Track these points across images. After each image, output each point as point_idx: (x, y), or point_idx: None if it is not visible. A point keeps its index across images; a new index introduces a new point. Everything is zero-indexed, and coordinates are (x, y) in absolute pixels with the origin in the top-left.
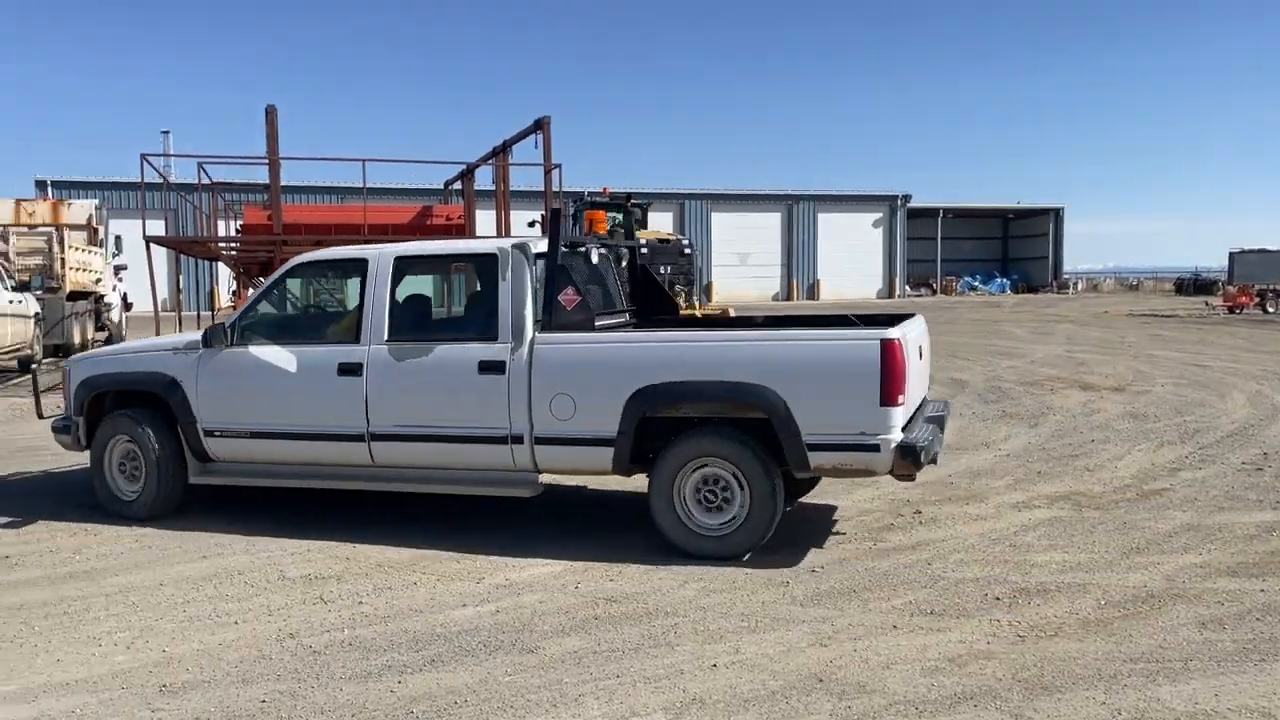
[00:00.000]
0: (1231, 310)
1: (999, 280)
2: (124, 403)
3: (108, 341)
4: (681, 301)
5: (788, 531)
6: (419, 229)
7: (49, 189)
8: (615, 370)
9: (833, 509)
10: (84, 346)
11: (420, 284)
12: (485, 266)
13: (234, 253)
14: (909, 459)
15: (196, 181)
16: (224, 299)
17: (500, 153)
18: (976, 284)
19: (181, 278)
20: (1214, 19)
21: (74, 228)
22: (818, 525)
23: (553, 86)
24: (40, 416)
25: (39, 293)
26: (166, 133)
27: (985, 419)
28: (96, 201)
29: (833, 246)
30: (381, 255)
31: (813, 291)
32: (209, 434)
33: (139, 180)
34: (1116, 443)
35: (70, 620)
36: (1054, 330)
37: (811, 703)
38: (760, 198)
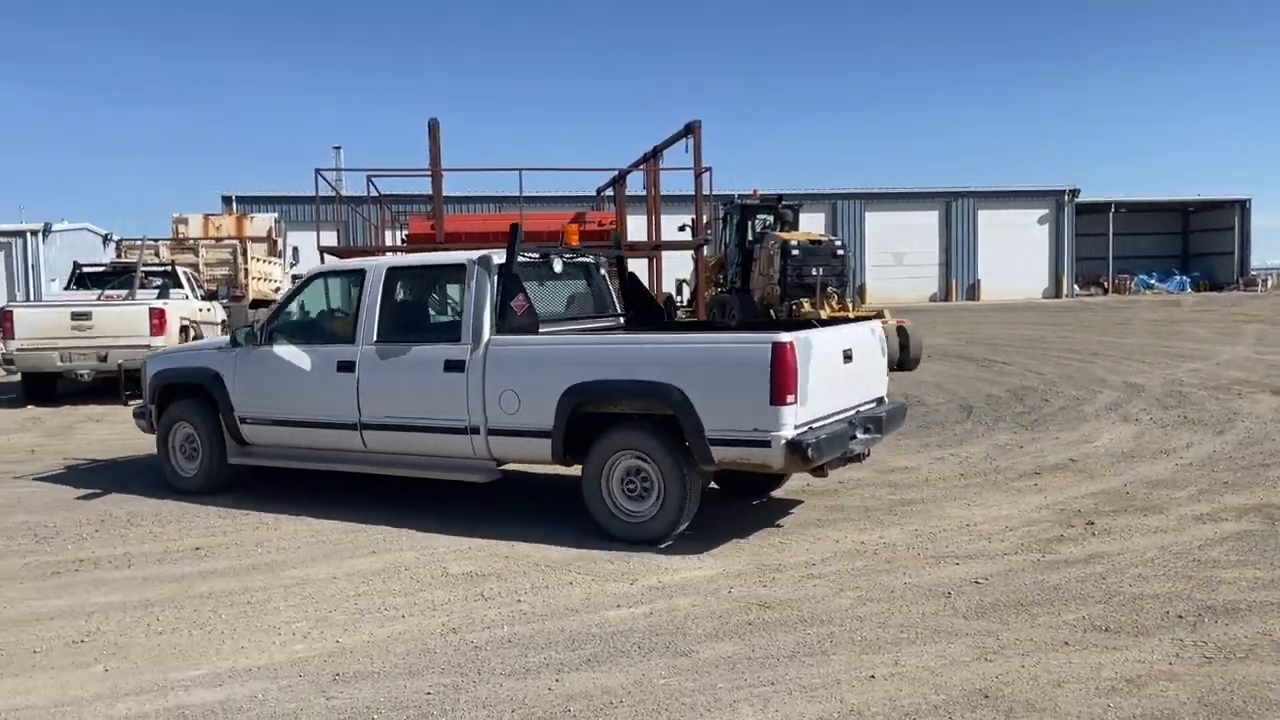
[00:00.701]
0: None
1: (1178, 278)
2: (184, 394)
3: None
4: (833, 304)
5: (946, 540)
6: (572, 235)
7: (233, 204)
8: (551, 369)
9: (996, 519)
10: None
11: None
12: (455, 276)
13: None
14: (797, 455)
15: (365, 194)
16: None
17: (651, 158)
18: (1153, 282)
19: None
20: None
21: (255, 240)
22: (980, 535)
23: (703, 90)
24: (125, 404)
25: (225, 301)
26: (338, 149)
27: (1164, 425)
28: (276, 215)
29: (994, 245)
30: (376, 266)
31: (972, 292)
32: (243, 421)
33: (314, 194)
34: None
35: (253, 610)
36: (1241, 331)
37: (977, 719)
38: (916, 196)
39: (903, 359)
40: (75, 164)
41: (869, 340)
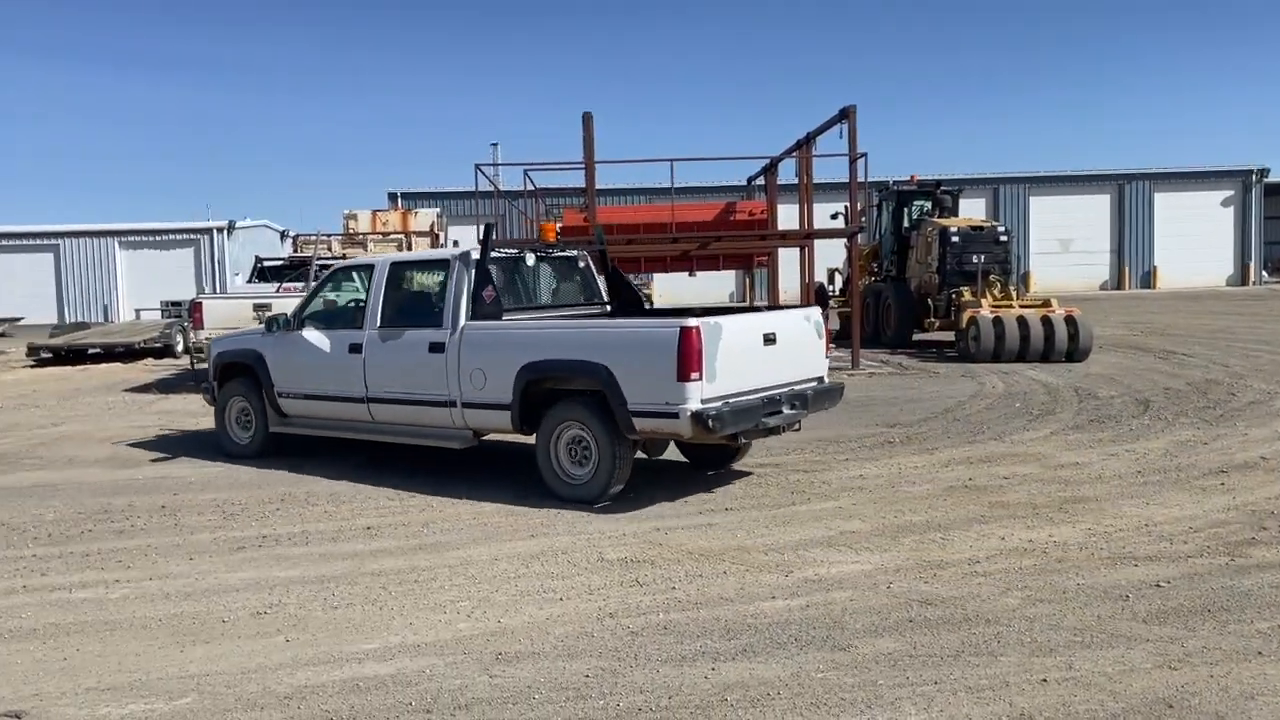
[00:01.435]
0: None
1: None
2: (238, 373)
3: None
4: (996, 293)
5: (1122, 540)
6: (723, 225)
7: (398, 200)
8: (509, 350)
9: (1179, 519)
10: None
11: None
12: (441, 270)
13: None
14: (700, 425)
15: (522, 188)
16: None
17: (804, 145)
18: None
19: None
20: None
21: (419, 234)
22: (1160, 535)
23: (859, 74)
24: (195, 382)
25: None
26: (495, 145)
27: None
28: (438, 210)
29: (1172, 230)
30: (382, 261)
31: (1148, 280)
32: (281, 395)
33: (473, 189)
34: None
35: (420, 588)
36: None
37: None
38: (1086, 179)
39: (1071, 350)
40: (256, 165)
41: (801, 325)
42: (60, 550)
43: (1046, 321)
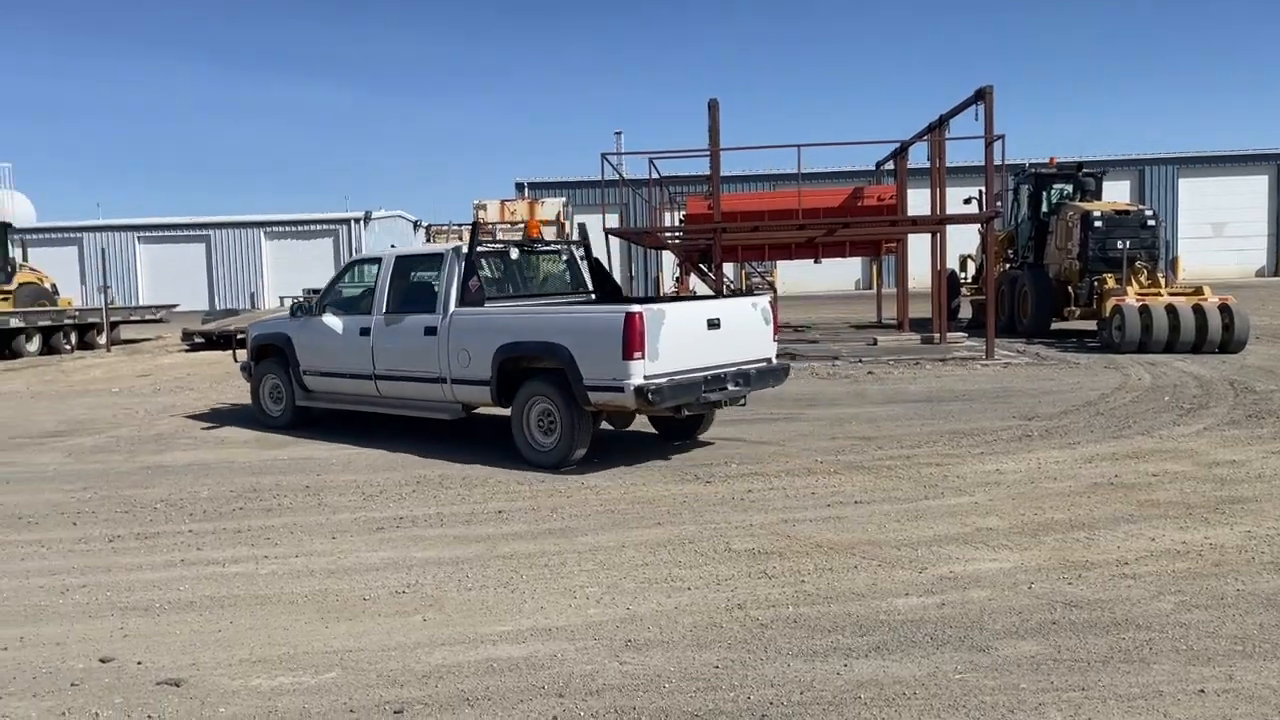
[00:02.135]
0: None
1: None
2: (270, 353)
3: None
4: (1142, 280)
5: None
6: (850, 211)
7: (525, 190)
8: (489, 333)
9: None
10: None
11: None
12: (436, 262)
13: (677, 241)
14: (641, 398)
15: (647, 176)
16: (667, 284)
17: (936, 128)
18: None
19: (633, 265)
20: None
21: (546, 223)
22: None
23: (994, 54)
24: (235, 361)
25: None
26: (619, 134)
27: None
28: (564, 199)
29: None
30: (389, 255)
31: None
32: (305, 373)
33: (598, 178)
34: None
35: (550, 572)
36: None
37: None
38: (1241, 158)
39: (1225, 340)
40: (391, 157)
41: (748, 313)
42: (214, 526)
43: (1198, 310)
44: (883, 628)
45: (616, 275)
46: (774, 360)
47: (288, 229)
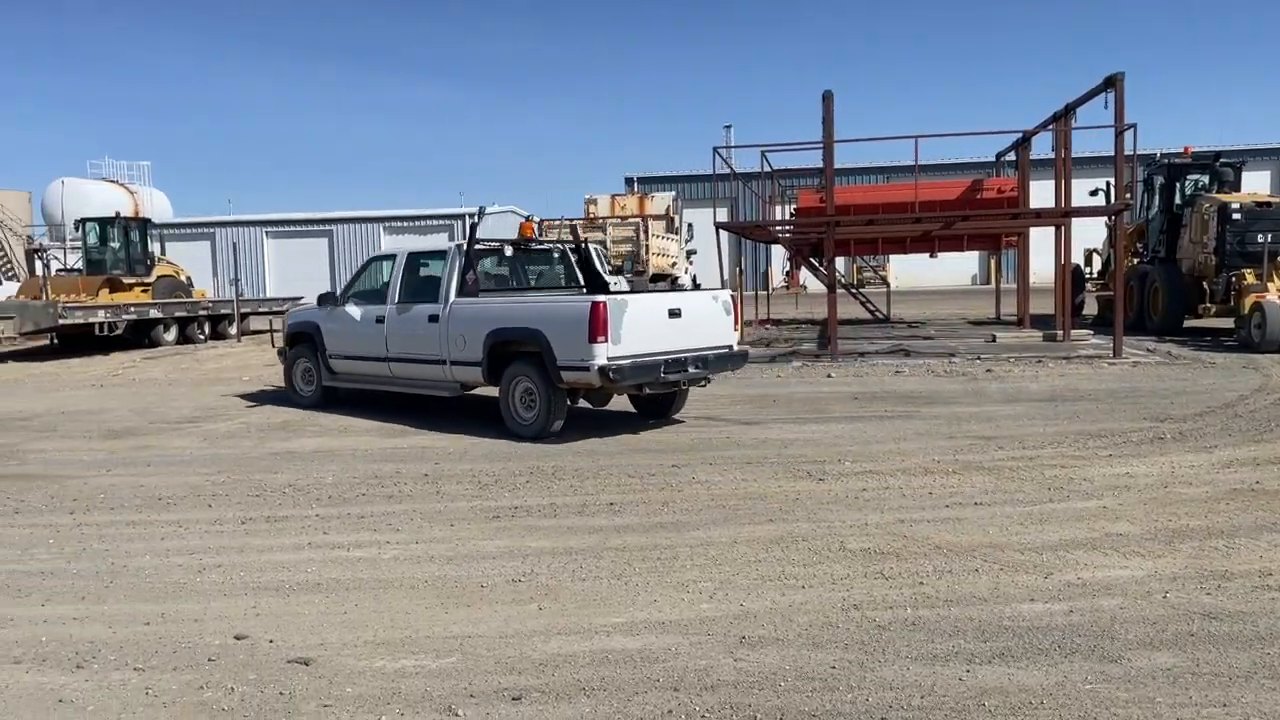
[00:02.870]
0: None
1: None
2: (303, 340)
3: None
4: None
5: None
6: (968, 204)
7: (634, 184)
8: (480, 321)
9: None
10: None
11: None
12: (442, 258)
13: (788, 234)
14: (604, 377)
15: (759, 170)
16: (776, 279)
17: (1062, 117)
18: None
19: (745, 260)
20: None
21: (655, 218)
22: None
23: (1125, 39)
24: (273, 347)
25: (628, 275)
26: (728, 127)
27: None
28: (673, 194)
29: None
30: (401, 250)
31: None
32: (331, 357)
33: (705, 172)
34: None
35: (662, 566)
36: None
37: None
38: None
39: None
40: (504, 153)
41: (709, 304)
42: (338, 511)
43: None
44: (1007, 634)
45: (725, 270)
46: (734, 347)
47: (406, 224)
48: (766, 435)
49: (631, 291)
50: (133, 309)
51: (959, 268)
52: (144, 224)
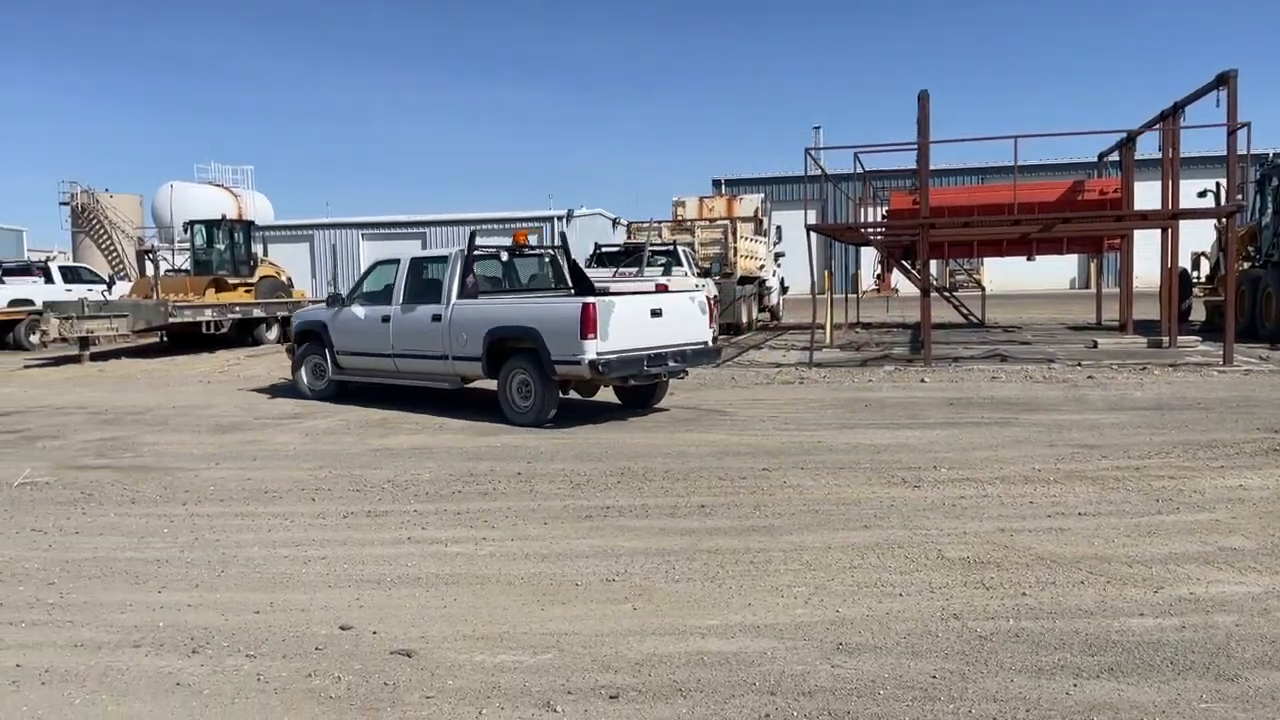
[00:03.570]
0: None
1: None
2: (310, 337)
3: (771, 321)
4: None
5: None
6: (1069, 205)
7: (722, 187)
8: (481, 321)
9: None
10: (749, 326)
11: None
12: (444, 263)
13: (881, 236)
14: (594, 369)
15: (851, 171)
16: (866, 282)
17: (1170, 116)
18: None
19: (835, 262)
20: None
21: (743, 220)
22: None
23: (1235, 36)
24: (280, 343)
25: (716, 277)
26: (817, 128)
27: None
28: (762, 196)
29: None
30: (405, 256)
31: None
32: (339, 354)
33: (795, 174)
34: None
35: (755, 570)
36: None
37: None
38: None
39: None
40: (592, 156)
41: (687, 305)
42: (436, 507)
43: None
44: (1115, 648)
45: (814, 272)
46: (710, 344)
47: (495, 226)
48: (859, 440)
49: (620, 293)
50: (237, 308)
51: (1057, 271)
52: (248, 226)
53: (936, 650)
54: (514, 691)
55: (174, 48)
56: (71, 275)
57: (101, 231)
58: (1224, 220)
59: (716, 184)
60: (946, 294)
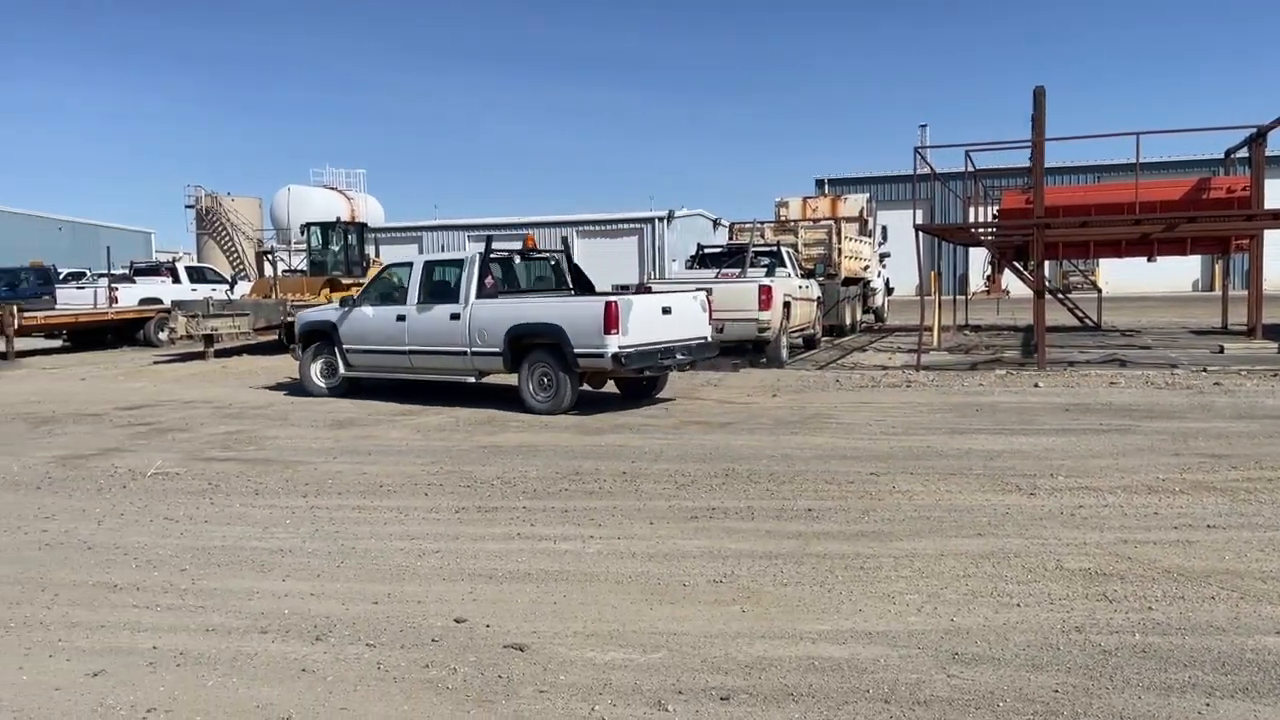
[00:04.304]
0: None
1: None
2: (320, 337)
3: (874, 323)
4: None
5: None
6: (1194, 204)
7: (825, 186)
8: (502, 318)
9: None
10: (853, 328)
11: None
12: (458, 266)
13: (991, 237)
14: (616, 361)
15: (959, 170)
16: (975, 283)
17: None
18: None
19: (942, 263)
20: None
21: (848, 220)
22: None
23: None
24: (285, 343)
25: (820, 278)
26: (923, 126)
27: None
28: (867, 195)
29: None
30: (419, 260)
31: None
32: (349, 352)
33: (900, 173)
34: None
35: (865, 575)
36: None
37: None
38: None
39: None
40: (692, 157)
41: (690, 303)
42: (543, 505)
43: None
44: (1250, 667)
45: (921, 273)
46: (709, 339)
47: (597, 228)
48: (970, 445)
49: (635, 292)
50: None
51: (1178, 272)
52: (361, 228)
53: (1058, 663)
54: (625, 689)
55: (291, 54)
56: (197, 275)
57: (223, 233)
58: None
59: (819, 184)
60: (1060, 296)
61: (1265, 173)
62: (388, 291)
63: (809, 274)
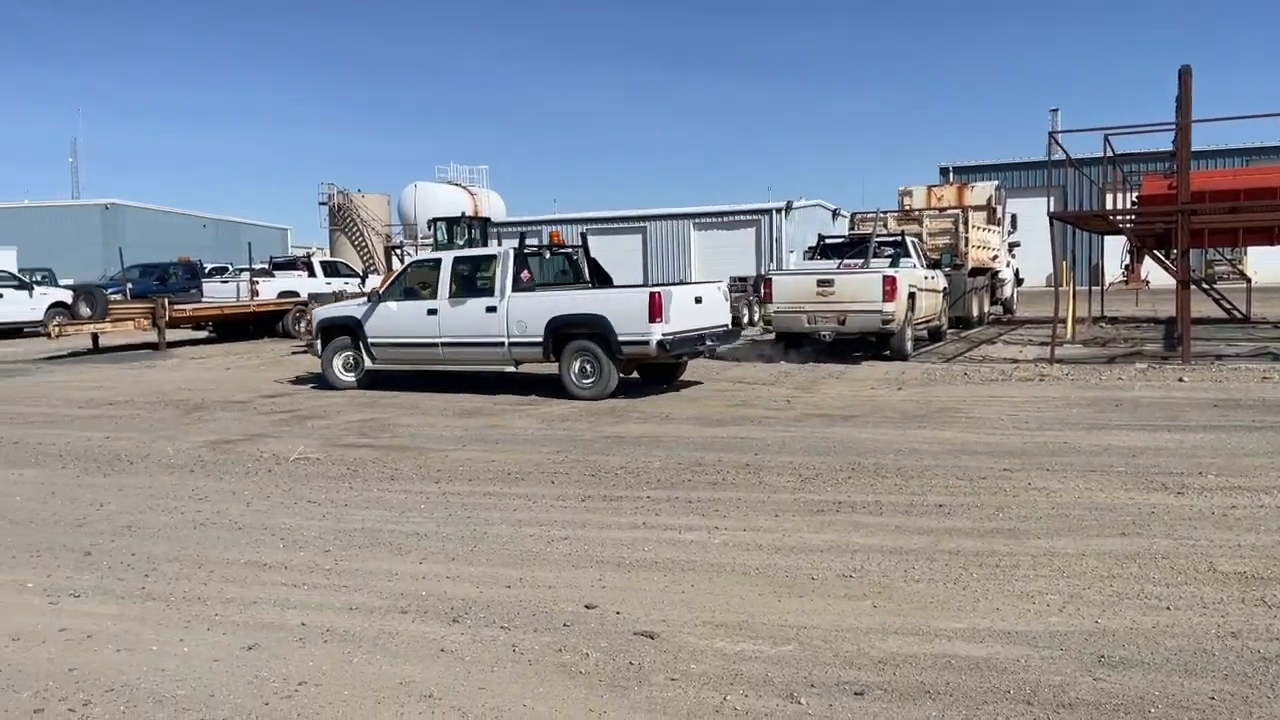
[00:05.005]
0: None
1: None
2: (341, 331)
3: (1003, 314)
4: None
5: None
6: None
7: (950, 174)
8: (541, 310)
9: None
10: (980, 319)
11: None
12: (489, 261)
13: (1130, 224)
14: (661, 348)
15: (1097, 154)
16: (1110, 273)
17: None
18: None
19: (1077, 252)
20: None
21: (975, 209)
22: None
23: None
24: (302, 341)
25: (946, 269)
26: (1054, 111)
27: None
28: (996, 183)
29: None
30: (447, 256)
31: None
32: (372, 345)
33: (1030, 159)
34: None
35: (1001, 574)
36: None
37: None
38: None
39: None
40: (811, 146)
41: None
42: (667, 495)
43: None
44: None
45: (1054, 262)
46: (730, 326)
47: (714, 220)
48: (1110, 442)
49: (670, 285)
50: None
51: None
52: (484, 223)
53: (1214, 670)
54: (756, 680)
55: (414, 55)
56: (330, 270)
57: (354, 229)
58: None
59: (944, 171)
60: (1205, 286)
61: None
62: (413, 288)
63: (934, 264)
